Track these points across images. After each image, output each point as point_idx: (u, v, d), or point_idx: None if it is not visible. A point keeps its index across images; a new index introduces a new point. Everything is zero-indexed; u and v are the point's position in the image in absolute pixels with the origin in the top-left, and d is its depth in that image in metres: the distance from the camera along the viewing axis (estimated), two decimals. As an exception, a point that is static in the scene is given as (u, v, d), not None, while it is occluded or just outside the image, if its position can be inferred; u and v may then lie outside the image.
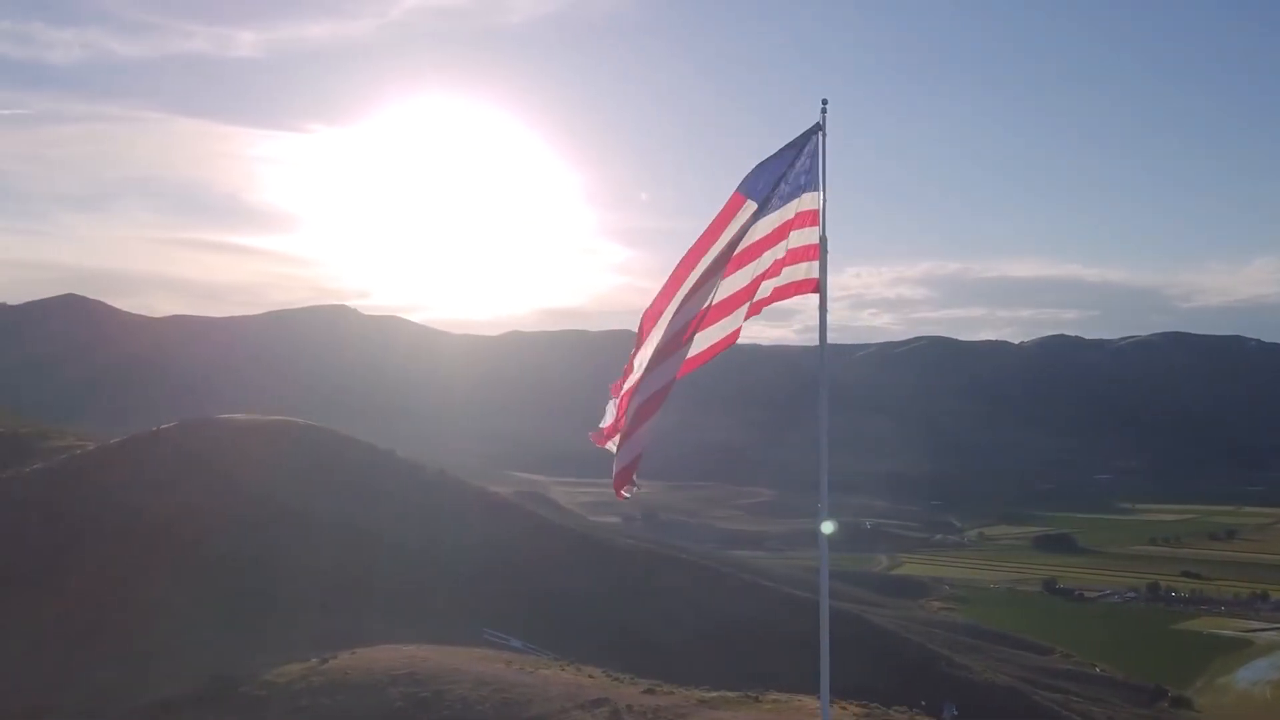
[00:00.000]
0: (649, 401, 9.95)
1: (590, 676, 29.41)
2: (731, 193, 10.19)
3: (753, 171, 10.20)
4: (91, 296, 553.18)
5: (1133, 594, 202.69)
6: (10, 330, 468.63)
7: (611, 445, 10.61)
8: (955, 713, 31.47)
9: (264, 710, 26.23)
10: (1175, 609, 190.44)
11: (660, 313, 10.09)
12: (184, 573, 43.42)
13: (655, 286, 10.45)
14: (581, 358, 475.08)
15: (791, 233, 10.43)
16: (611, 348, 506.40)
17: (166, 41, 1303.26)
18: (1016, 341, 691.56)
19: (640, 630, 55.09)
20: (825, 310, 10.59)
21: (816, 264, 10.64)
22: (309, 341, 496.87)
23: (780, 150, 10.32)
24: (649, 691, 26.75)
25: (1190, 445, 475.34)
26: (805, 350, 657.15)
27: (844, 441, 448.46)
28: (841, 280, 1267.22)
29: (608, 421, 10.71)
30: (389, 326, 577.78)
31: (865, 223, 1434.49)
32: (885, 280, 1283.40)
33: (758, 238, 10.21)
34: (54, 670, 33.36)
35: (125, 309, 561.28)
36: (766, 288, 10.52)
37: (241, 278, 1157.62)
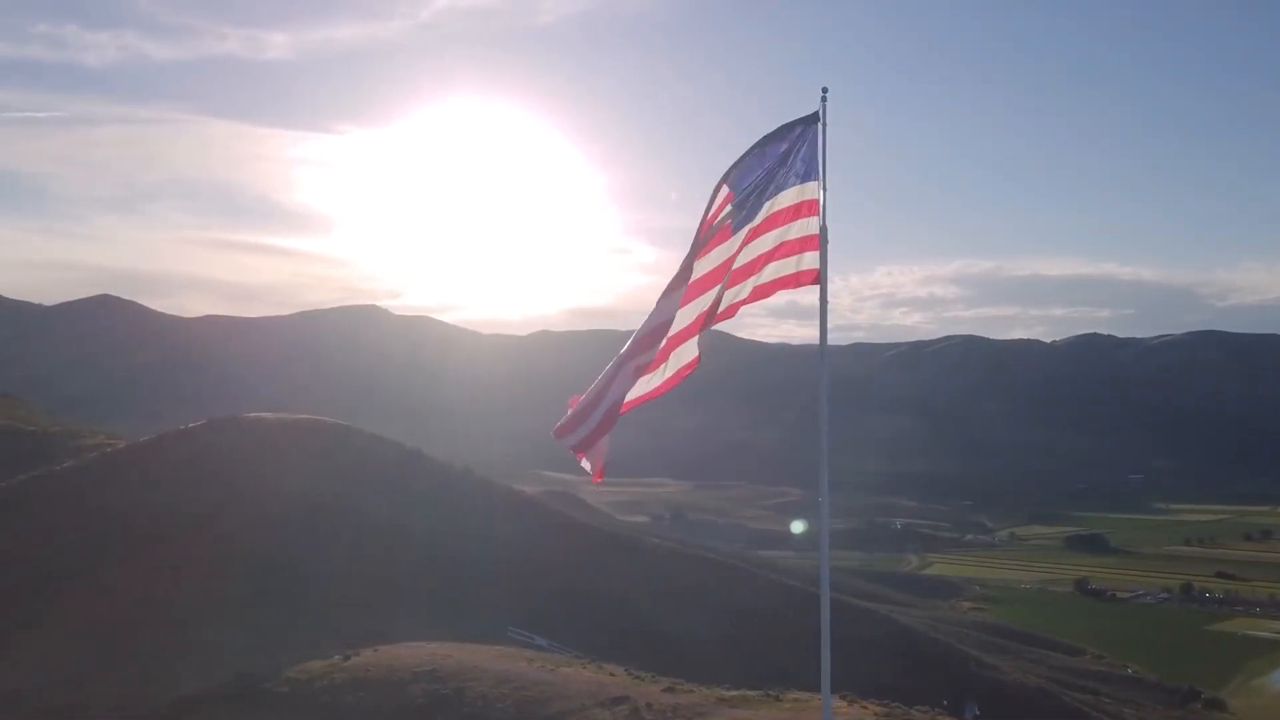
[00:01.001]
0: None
1: (611, 674, 29.42)
2: (717, 183, 10.16)
3: (739, 161, 10.16)
4: (126, 297, 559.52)
5: (1166, 595, 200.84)
6: (46, 330, 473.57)
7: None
8: (977, 712, 31.33)
9: (286, 707, 26.43)
10: (1209, 610, 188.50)
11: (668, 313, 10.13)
12: (212, 570, 43.72)
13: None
14: (611, 357, 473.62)
15: (790, 223, 10.37)
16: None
17: (200, 44, 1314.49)
18: (1049, 340, 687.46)
19: (665, 629, 55.05)
20: (825, 302, 10.52)
21: (817, 254, 10.54)
22: (340, 341, 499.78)
23: (764, 139, 10.28)
24: (669, 690, 26.75)
25: (1225, 445, 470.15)
26: (837, 349, 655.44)
27: (874, 442, 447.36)
28: (872, 279, 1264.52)
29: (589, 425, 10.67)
30: (420, 326, 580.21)
31: (897, 221, 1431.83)
32: (916, 279, 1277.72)
33: (751, 227, 10.18)
34: (85, 667, 33.66)
35: (159, 309, 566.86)
36: (769, 274, 10.45)
37: (274, 278, 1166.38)
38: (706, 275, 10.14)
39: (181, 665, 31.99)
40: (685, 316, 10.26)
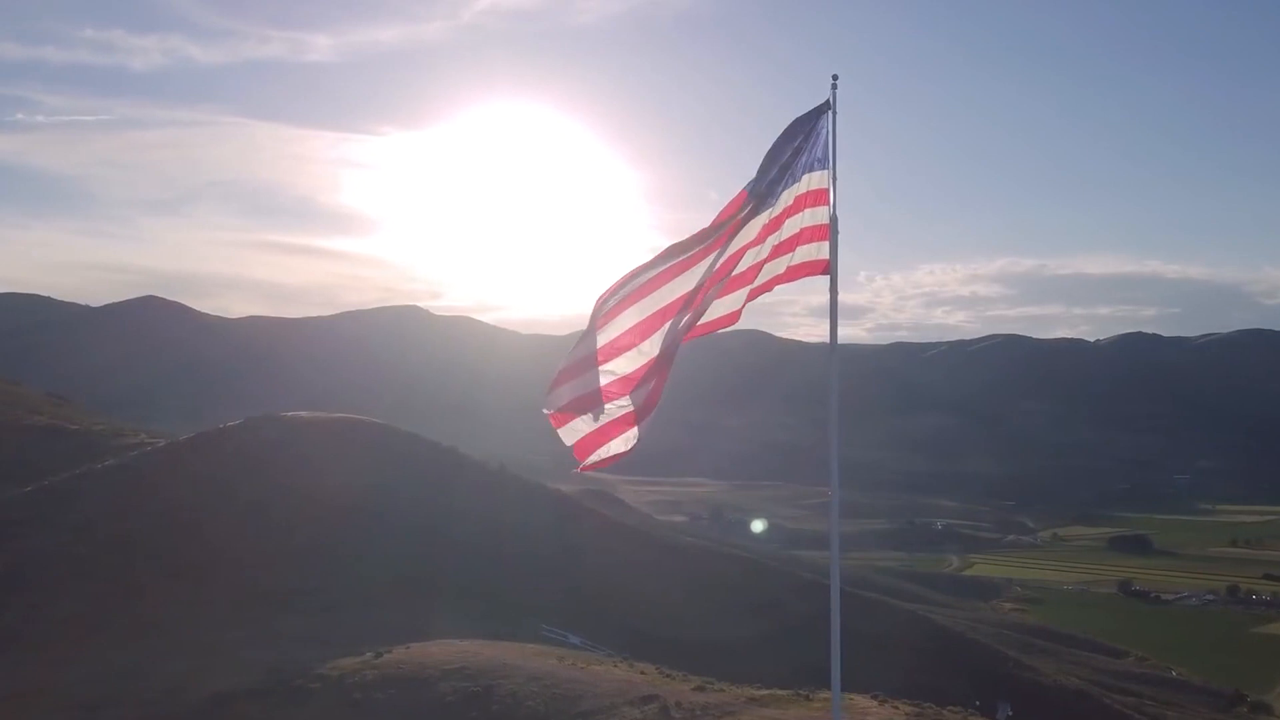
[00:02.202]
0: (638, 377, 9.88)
1: (642, 673, 29.36)
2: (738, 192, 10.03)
3: (761, 168, 10.03)
4: (170, 298, 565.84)
5: (1211, 596, 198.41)
6: (92, 331, 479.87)
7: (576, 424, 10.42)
8: (1010, 713, 30.97)
9: (316, 703, 26.54)
10: (1256, 612, 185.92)
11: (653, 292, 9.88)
12: (248, 568, 44.08)
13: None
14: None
15: (801, 213, 10.24)
16: (680, 347, 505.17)
17: (243, 47, 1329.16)
18: (1093, 340, 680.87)
19: (700, 628, 54.93)
20: (836, 292, 10.37)
21: (826, 244, 10.41)
22: (382, 342, 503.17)
23: (783, 133, 10.14)
24: (699, 688, 26.65)
25: (1273, 445, 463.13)
26: (877, 349, 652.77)
27: (916, 442, 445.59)
28: (915, 278, 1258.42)
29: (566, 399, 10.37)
30: (459, 326, 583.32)
31: (940, 220, 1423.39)
32: (959, 278, 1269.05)
33: (763, 224, 10.05)
34: (121, 662, 33.95)
35: (203, 310, 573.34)
36: (780, 264, 10.29)
37: (316, 279, 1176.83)
38: (723, 264, 9.97)
39: (217, 661, 32.18)
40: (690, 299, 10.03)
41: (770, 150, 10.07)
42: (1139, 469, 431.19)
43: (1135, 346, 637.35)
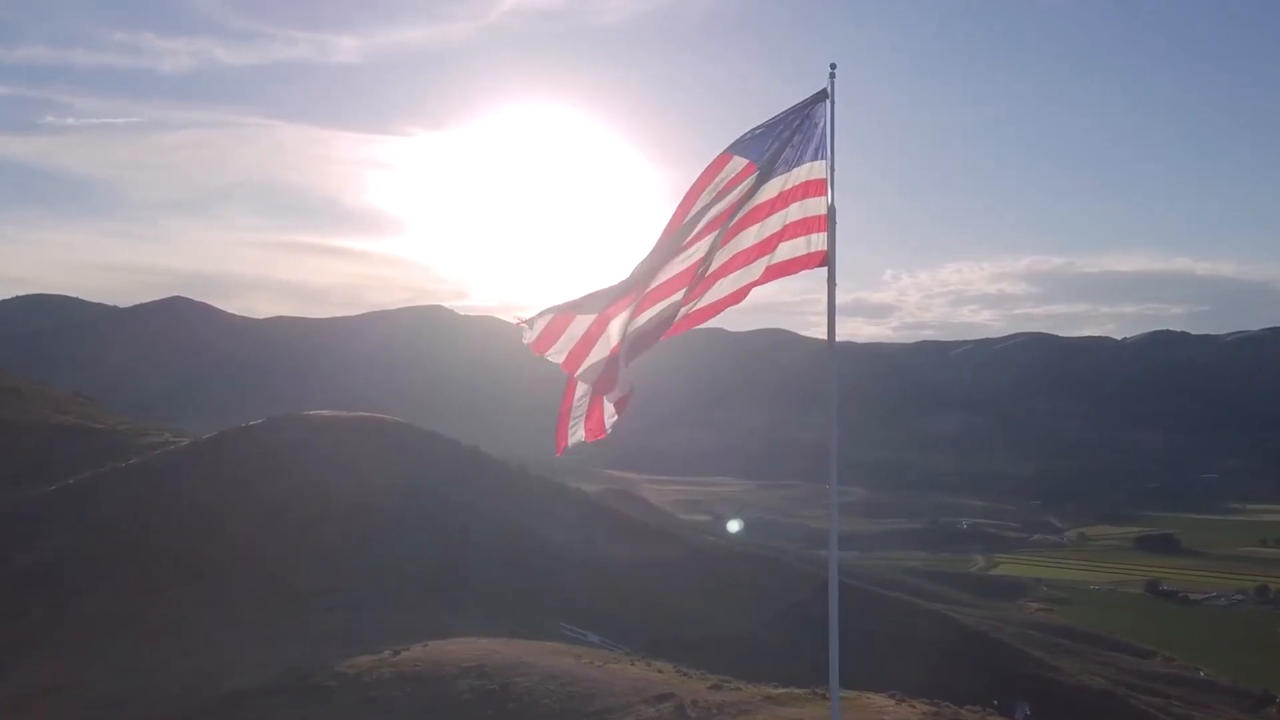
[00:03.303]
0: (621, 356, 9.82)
1: (659, 672, 29.30)
2: (720, 153, 9.93)
3: (750, 133, 9.95)
4: (196, 299, 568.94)
5: (1240, 596, 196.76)
6: (119, 331, 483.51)
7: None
8: (1029, 712, 30.80)
9: (332, 701, 26.62)
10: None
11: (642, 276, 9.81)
12: (270, 566, 44.29)
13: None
14: (674, 357, 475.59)
15: (798, 202, 10.13)
16: (705, 346, 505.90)
17: (270, 49, 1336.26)
18: (1120, 338, 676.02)
19: (720, 627, 54.89)
20: (833, 284, 10.21)
21: (825, 235, 10.26)
22: (407, 342, 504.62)
23: (782, 114, 10.04)
24: (715, 687, 26.59)
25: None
26: (902, 348, 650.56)
27: (941, 441, 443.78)
28: (941, 276, 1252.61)
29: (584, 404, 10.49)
30: (485, 326, 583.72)
31: (966, 218, 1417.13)
32: (986, 276, 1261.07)
33: (760, 202, 9.96)
34: (142, 660, 34.20)
35: (229, 310, 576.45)
36: (776, 255, 10.19)
37: (341, 279, 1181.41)
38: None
39: (237, 659, 32.35)
40: (681, 282, 9.94)
41: (770, 124, 9.98)
42: (1166, 468, 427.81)
43: (1162, 344, 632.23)
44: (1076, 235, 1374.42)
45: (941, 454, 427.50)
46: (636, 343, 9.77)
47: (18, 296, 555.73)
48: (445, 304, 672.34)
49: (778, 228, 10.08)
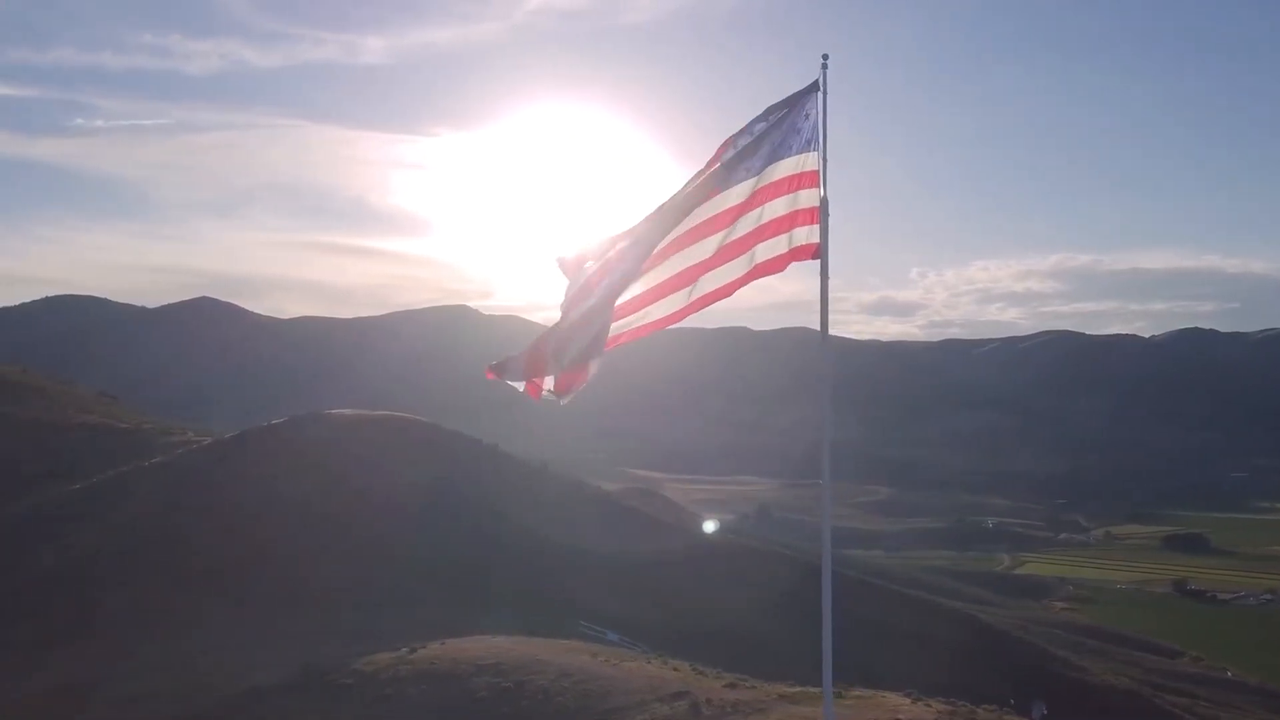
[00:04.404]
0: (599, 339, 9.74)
1: (675, 670, 29.33)
2: (720, 144, 9.89)
3: (745, 127, 9.89)
4: (224, 299, 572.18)
5: (1269, 596, 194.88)
6: (147, 332, 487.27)
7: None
8: (1045, 712, 30.58)
9: (350, 698, 26.82)
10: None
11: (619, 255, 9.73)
12: (291, 564, 44.59)
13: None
14: (699, 355, 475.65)
15: (789, 195, 10.07)
16: (729, 345, 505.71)
17: (298, 50, 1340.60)
18: (1148, 336, 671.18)
19: (740, 625, 54.77)
20: (826, 277, 10.16)
21: (817, 228, 10.18)
22: (432, 341, 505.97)
23: (772, 106, 9.99)
24: (731, 685, 26.62)
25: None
26: (928, 346, 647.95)
27: (967, 439, 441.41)
28: (968, 274, 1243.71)
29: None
30: (509, 326, 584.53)
31: (993, 215, 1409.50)
32: (1013, 274, 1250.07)
33: (747, 196, 9.92)
34: (164, 657, 34.48)
35: (256, 311, 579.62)
36: (767, 249, 10.14)
37: (368, 279, 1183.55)
38: (692, 230, 9.81)
39: (257, 656, 32.61)
40: (666, 271, 9.90)
41: (762, 115, 9.93)
42: (1194, 467, 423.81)
43: (1191, 342, 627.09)
44: (1104, 232, 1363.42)
45: (968, 452, 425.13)
46: (608, 338, 9.76)
47: (47, 297, 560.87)
48: (470, 304, 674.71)
49: (765, 221, 10.01)
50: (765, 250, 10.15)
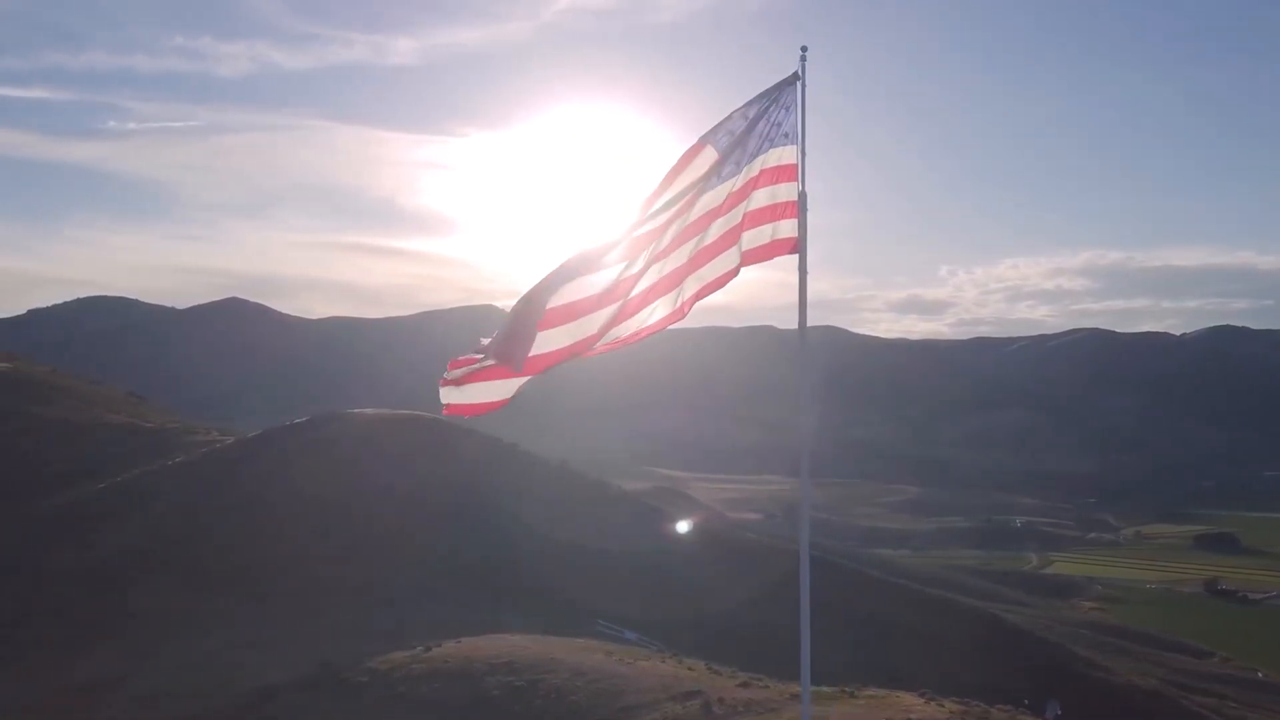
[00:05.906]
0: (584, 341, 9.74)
1: (690, 669, 29.36)
2: (694, 142, 9.70)
3: (721, 122, 9.75)
4: (253, 300, 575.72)
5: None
6: (177, 332, 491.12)
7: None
8: (1059, 712, 30.46)
9: (365, 696, 26.99)
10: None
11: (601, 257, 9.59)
12: (307, 561, 44.88)
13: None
14: (726, 354, 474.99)
15: (767, 188, 9.95)
16: (756, 344, 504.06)
17: (327, 51, 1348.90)
18: (1179, 333, 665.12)
19: (760, 625, 54.56)
20: (805, 271, 10.00)
21: (795, 222, 10.05)
22: (460, 341, 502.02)
23: (751, 100, 9.84)
24: (744, 685, 26.65)
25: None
26: (956, 345, 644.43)
27: (997, 437, 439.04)
28: (997, 271, 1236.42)
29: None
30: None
31: (1023, 212, 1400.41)
32: (1043, 271, 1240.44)
33: (728, 194, 9.79)
34: (185, 655, 34.77)
35: (285, 311, 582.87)
36: (751, 238, 10.05)
37: (396, 280, 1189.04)
38: (683, 233, 9.76)
39: (276, 654, 32.85)
40: (654, 274, 9.78)
41: (738, 111, 9.80)
42: (1226, 465, 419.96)
43: (1223, 339, 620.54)
44: (1136, 229, 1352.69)
45: (997, 451, 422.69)
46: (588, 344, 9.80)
47: (79, 298, 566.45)
48: (497, 303, 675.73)
49: (747, 212, 9.90)
50: (750, 239, 10.05)
